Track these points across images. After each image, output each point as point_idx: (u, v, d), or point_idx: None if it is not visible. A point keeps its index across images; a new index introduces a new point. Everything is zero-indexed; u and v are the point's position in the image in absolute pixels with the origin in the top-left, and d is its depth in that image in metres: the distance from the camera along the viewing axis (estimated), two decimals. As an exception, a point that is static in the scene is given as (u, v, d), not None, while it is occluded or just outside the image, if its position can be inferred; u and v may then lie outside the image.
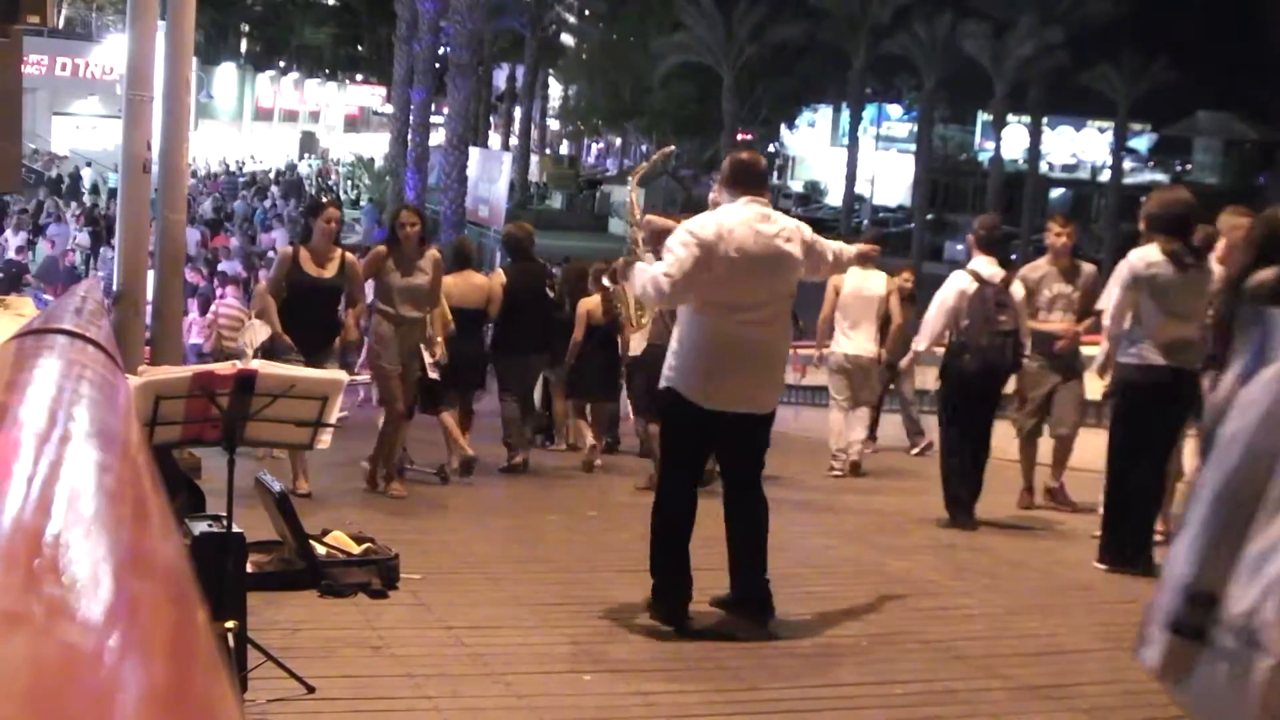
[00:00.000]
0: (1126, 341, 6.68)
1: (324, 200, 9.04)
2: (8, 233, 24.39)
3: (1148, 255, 6.59)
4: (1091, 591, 6.41)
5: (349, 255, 8.29)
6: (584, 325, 10.10)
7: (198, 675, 0.63)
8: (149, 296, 8.33)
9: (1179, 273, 6.54)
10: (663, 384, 5.45)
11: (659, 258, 5.46)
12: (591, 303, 10.11)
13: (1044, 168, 58.19)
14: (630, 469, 9.99)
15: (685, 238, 5.29)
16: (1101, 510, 6.96)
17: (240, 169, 45.19)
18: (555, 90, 71.29)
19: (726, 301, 5.32)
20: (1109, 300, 6.82)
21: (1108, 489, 6.90)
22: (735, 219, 5.37)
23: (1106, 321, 6.89)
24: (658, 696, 4.56)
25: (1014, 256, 23.74)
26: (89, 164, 37.56)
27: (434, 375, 8.77)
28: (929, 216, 52.67)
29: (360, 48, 64.03)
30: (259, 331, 8.64)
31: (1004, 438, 8.50)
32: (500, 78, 65.95)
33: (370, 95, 65.83)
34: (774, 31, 48.54)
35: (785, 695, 4.65)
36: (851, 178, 51.41)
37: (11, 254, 23.06)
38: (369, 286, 8.75)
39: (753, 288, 5.35)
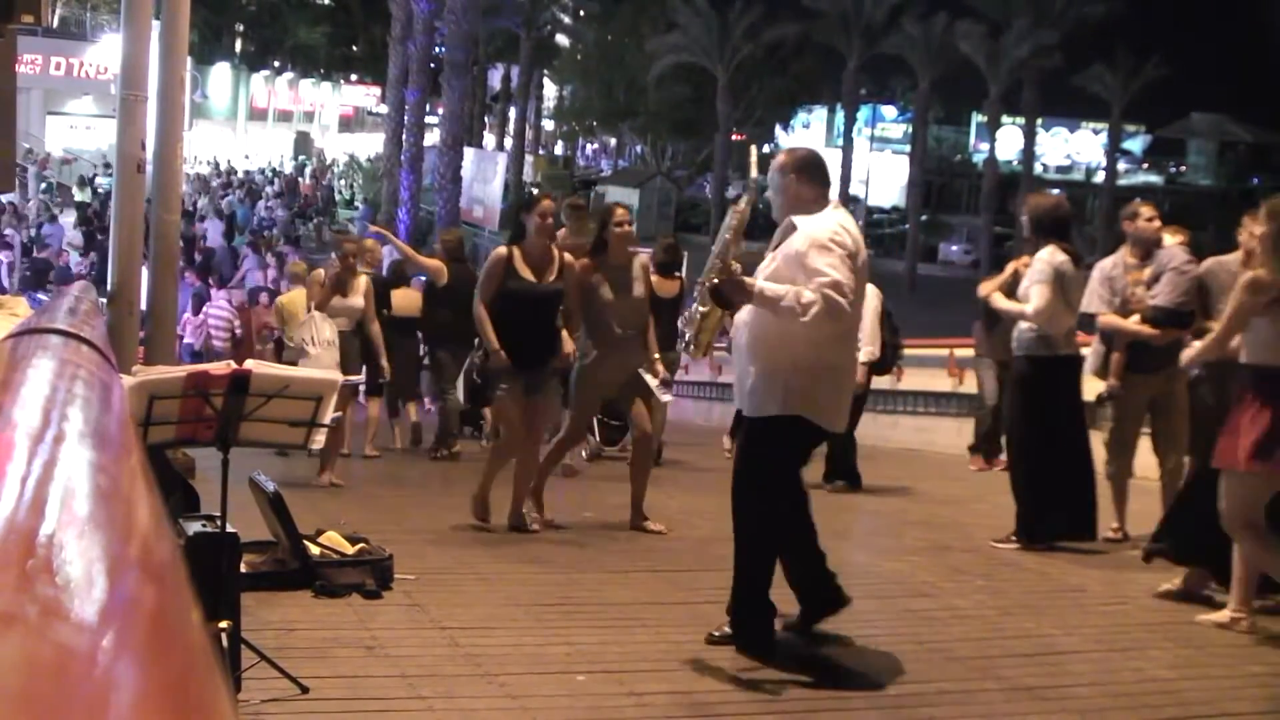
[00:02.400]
0: (1035, 334, 7.13)
1: (536, 193, 8.24)
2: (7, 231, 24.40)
3: (1056, 255, 7.08)
4: (1085, 593, 6.42)
5: (568, 257, 7.38)
6: None
7: (192, 676, 0.63)
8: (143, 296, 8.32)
9: (1076, 270, 7.19)
10: (780, 410, 4.94)
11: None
12: None
13: (1038, 169, 58.28)
14: (617, 468, 9.98)
15: (837, 250, 4.80)
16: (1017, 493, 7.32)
17: (230, 169, 44.81)
18: (550, 90, 71.29)
19: (855, 316, 5.01)
20: (1037, 300, 7.03)
21: (1026, 473, 7.27)
22: (851, 225, 5.03)
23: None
24: (651, 697, 4.56)
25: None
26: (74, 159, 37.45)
27: (666, 398, 8.27)
28: (923, 218, 52.70)
29: (355, 48, 63.97)
30: (321, 326, 8.59)
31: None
32: (495, 78, 65.93)
33: (365, 95, 65.78)
34: (768, 32, 48.53)
35: (779, 696, 4.65)
36: (846, 179, 51.38)
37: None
38: None
39: (859, 303, 5.05)
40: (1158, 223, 7.61)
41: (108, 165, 33.06)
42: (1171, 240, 7.56)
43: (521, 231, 7.27)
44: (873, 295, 9.84)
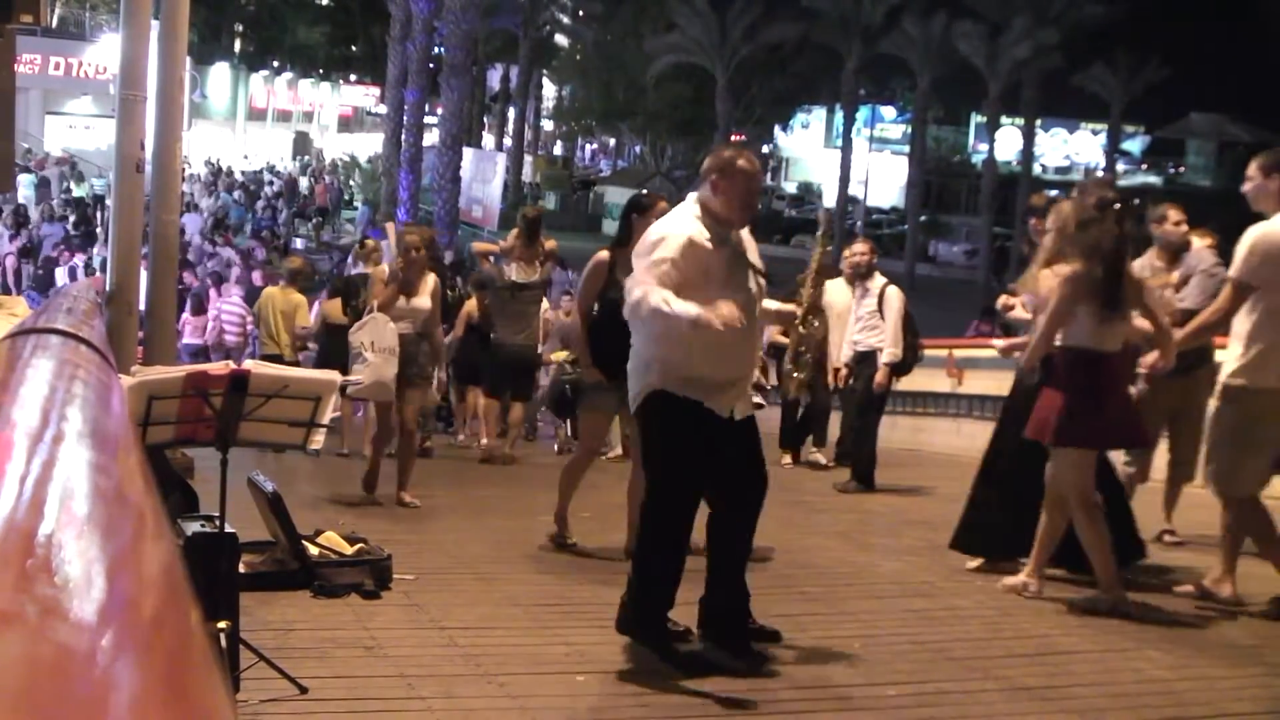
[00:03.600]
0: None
1: (648, 194, 7.31)
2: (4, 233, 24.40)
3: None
4: (1083, 593, 6.42)
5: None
6: (464, 324, 11.64)
7: (190, 676, 0.63)
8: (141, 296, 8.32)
9: None
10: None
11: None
12: (471, 305, 11.66)
13: (1037, 169, 58.27)
14: (620, 471, 9.97)
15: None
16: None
17: (219, 169, 44.60)
18: (549, 90, 71.30)
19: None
20: None
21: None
22: (670, 222, 5.27)
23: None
24: (651, 697, 4.56)
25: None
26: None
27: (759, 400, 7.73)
28: (922, 218, 52.70)
29: (354, 48, 63.95)
30: (383, 331, 7.91)
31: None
32: (494, 78, 65.93)
33: (364, 95, 65.76)
34: (767, 32, 48.51)
35: (778, 696, 4.65)
36: (845, 179, 51.42)
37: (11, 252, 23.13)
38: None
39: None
40: (1185, 226, 7.55)
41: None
42: (1200, 243, 7.58)
43: (628, 235, 6.42)
44: (896, 297, 9.82)
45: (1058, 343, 5.94)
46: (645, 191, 7.43)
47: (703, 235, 4.95)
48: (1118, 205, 5.91)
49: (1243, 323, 5.87)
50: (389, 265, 8.86)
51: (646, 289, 4.83)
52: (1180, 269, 7.39)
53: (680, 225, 5.00)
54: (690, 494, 5.06)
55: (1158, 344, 6.20)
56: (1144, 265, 7.43)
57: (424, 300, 8.30)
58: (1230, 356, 5.98)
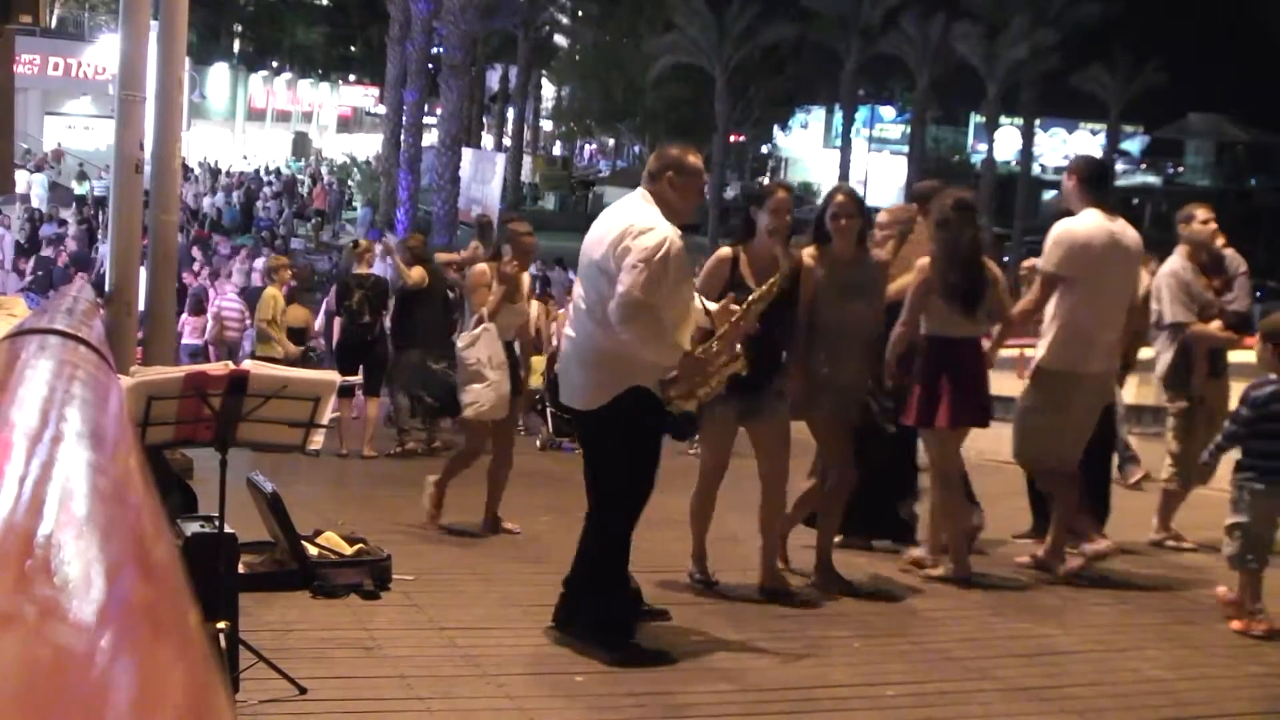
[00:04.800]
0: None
1: (768, 184, 6.52)
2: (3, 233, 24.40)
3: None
4: (1083, 592, 6.42)
5: (805, 256, 6.19)
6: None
7: (190, 676, 0.63)
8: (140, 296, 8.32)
9: None
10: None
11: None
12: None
13: (1036, 170, 58.28)
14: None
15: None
16: None
17: (213, 168, 44.53)
18: (548, 91, 71.24)
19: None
20: None
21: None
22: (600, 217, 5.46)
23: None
24: (649, 698, 4.57)
25: (1005, 259, 23.69)
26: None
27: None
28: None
29: (353, 48, 63.92)
30: (496, 344, 7.15)
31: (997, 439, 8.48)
32: (493, 78, 65.88)
33: (363, 96, 65.70)
34: (766, 32, 48.48)
35: (777, 696, 4.66)
36: (845, 179, 51.39)
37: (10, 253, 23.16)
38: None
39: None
40: (1214, 225, 7.54)
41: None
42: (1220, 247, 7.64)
43: (750, 229, 6.03)
44: None
45: (923, 331, 6.39)
46: (764, 182, 7.00)
47: (677, 233, 5.08)
48: (970, 209, 6.48)
49: (1052, 312, 6.45)
50: (502, 265, 7.48)
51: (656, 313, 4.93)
52: (1222, 275, 7.51)
53: (663, 223, 5.06)
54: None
55: (998, 337, 6.78)
56: (1184, 267, 7.45)
57: (526, 304, 7.74)
58: (1041, 343, 6.54)
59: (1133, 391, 9.69)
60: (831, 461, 6.34)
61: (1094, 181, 6.56)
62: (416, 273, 10.93)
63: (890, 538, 7.14)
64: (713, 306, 5.42)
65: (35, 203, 30.64)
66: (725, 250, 6.11)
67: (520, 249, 7.51)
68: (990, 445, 8.27)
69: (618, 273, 4.94)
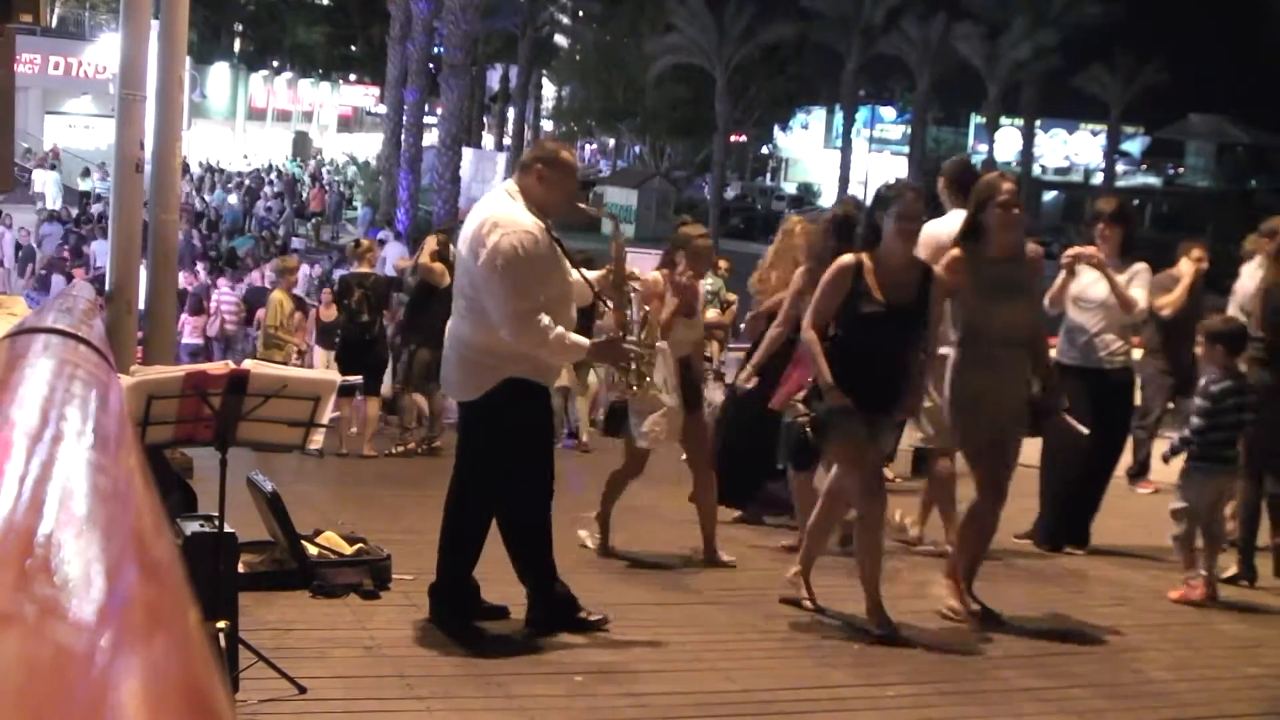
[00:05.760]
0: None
1: (895, 183, 6.09)
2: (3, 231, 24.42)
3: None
4: (1083, 594, 6.43)
5: (935, 269, 5.60)
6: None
7: (189, 676, 0.63)
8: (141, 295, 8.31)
9: None
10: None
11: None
12: None
13: (1037, 170, 58.39)
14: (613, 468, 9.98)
15: None
16: None
17: (210, 167, 44.48)
18: (548, 91, 71.23)
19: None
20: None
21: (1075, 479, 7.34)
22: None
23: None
24: (649, 698, 4.56)
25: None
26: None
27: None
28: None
29: (354, 48, 63.90)
30: (671, 364, 6.30)
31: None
32: (494, 78, 65.88)
33: (364, 95, 65.70)
34: (766, 32, 48.51)
35: (777, 696, 4.66)
36: (845, 179, 51.44)
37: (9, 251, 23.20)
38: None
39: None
40: None
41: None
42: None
43: (876, 234, 5.58)
44: None
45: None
46: (890, 182, 6.12)
47: (538, 225, 5.08)
48: (841, 221, 6.85)
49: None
50: (675, 274, 6.62)
51: (545, 320, 4.98)
52: None
53: (522, 217, 5.08)
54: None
55: None
56: (1253, 273, 7.46)
57: (702, 317, 6.96)
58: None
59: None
60: (984, 485, 5.68)
61: (960, 185, 6.75)
62: (440, 269, 10.84)
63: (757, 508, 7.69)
64: (592, 275, 5.47)
65: (50, 203, 30.71)
66: (848, 258, 5.48)
67: (695, 255, 6.65)
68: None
69: (475, 267, 5.05)
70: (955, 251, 5.67)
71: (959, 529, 5.97)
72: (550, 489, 5.33)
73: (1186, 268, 8.58)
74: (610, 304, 5.50)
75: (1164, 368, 9.00)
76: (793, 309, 6.58)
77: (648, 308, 5.86)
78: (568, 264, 5.29)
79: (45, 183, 32.80)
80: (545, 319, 4.98)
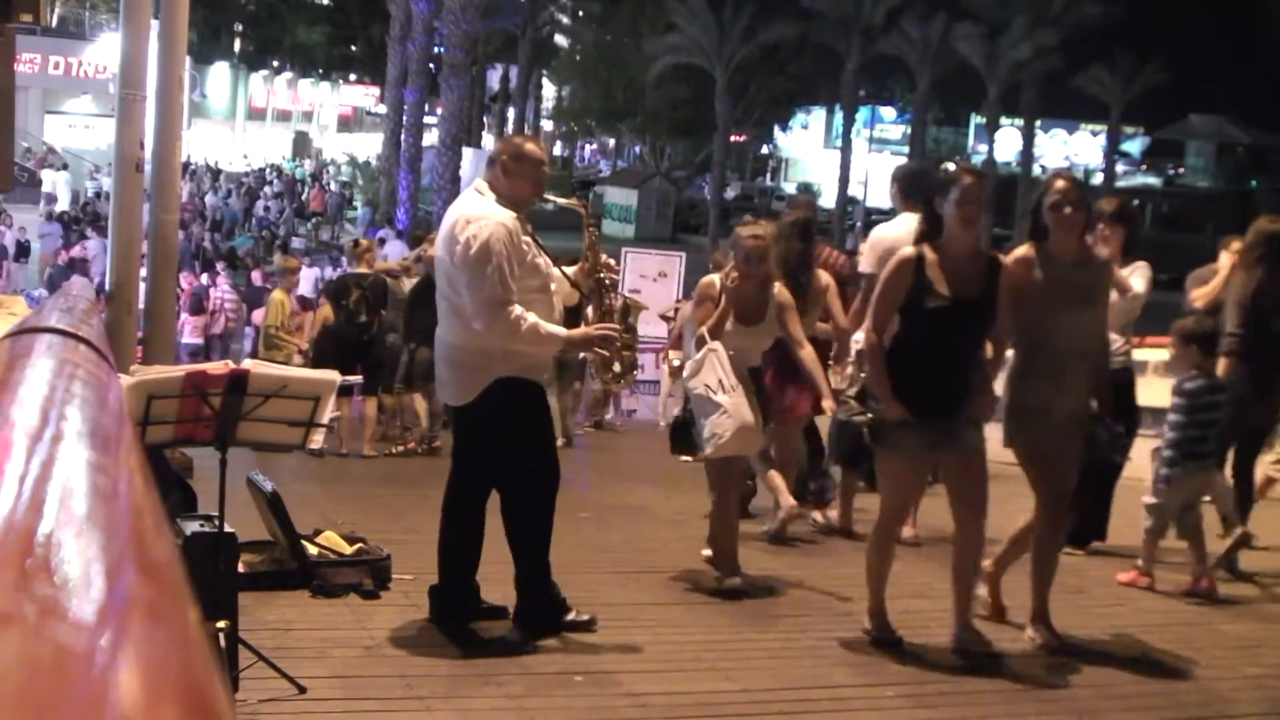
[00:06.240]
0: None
1: (954, 166, 5.45)
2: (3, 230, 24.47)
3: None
4: (1083, 594, 6.42)
5: (1003, 258, 5.23)
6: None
7: (189, 675, 0.63)
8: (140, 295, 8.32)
9: None
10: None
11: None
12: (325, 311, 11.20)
13: (1037, 170, 58.33)
14: (613, 467, 10.00)
15: None
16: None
17: (208, 167, 44.44)
18: (549, 91, 71.28)
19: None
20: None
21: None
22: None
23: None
24: (650, 698, 4.56)
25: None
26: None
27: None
28: (921, 218, 52.64)
29: (354, 48, 63.94)
30: (726, 361, 5.89)
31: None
32: (494, 78, 65.92)
33: (364, 95, 65.75)
34: (766, 32, 48.54)
35: (777, 696, 4.65)
36: (845, 179, 51.46)
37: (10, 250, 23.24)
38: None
39: None
40: None
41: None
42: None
43: (936, 224, 5.11)
44: None
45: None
46: (947, 166, 5.55)
47: (510, 217, 5.08)
48: (804, 224, 7.20)
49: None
50: (719, 278, 6.26)
51: (518, 310, 4.98)
52: None
53: (493, 211, 5.09)
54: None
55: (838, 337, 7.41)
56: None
57: (768, 326, 6.33)
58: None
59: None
60: (1046, 504, 5.40)
61: (910, 188, 7.05)
62: None
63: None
64: (570, 270, 5.46)
65: (63, 204, 30.74)
66: (908, 251, 5.10)
67: (746, 257, 6.23)
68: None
69: (451, 266, 5.06)
70: (1025, 249, 5.33)
71: (1013, 540, 5.68)
72: (554, 484, 5.30)
73: (1225, 261, 8.54)
74: (585, 294, 5.51)
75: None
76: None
77: (631, 295, 5.94)
78: (547, 259, 5.29)
79: (56, 183, 32.82)
80: (518, 309, 4.97)
